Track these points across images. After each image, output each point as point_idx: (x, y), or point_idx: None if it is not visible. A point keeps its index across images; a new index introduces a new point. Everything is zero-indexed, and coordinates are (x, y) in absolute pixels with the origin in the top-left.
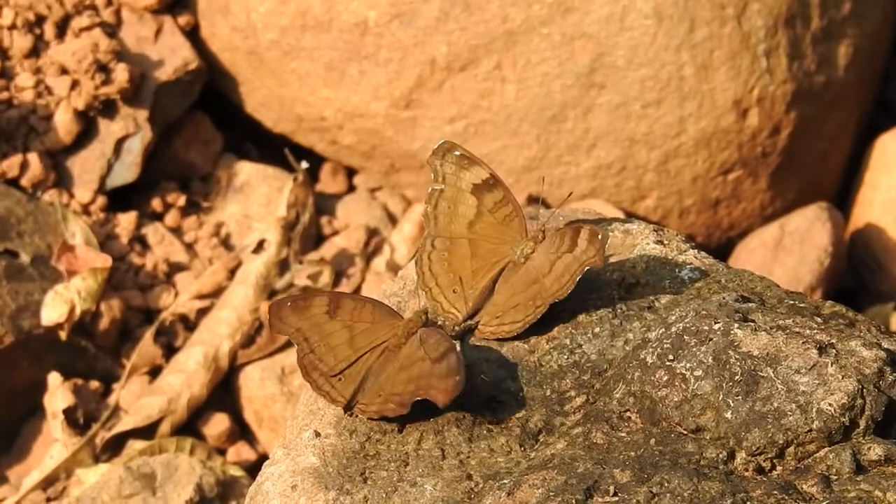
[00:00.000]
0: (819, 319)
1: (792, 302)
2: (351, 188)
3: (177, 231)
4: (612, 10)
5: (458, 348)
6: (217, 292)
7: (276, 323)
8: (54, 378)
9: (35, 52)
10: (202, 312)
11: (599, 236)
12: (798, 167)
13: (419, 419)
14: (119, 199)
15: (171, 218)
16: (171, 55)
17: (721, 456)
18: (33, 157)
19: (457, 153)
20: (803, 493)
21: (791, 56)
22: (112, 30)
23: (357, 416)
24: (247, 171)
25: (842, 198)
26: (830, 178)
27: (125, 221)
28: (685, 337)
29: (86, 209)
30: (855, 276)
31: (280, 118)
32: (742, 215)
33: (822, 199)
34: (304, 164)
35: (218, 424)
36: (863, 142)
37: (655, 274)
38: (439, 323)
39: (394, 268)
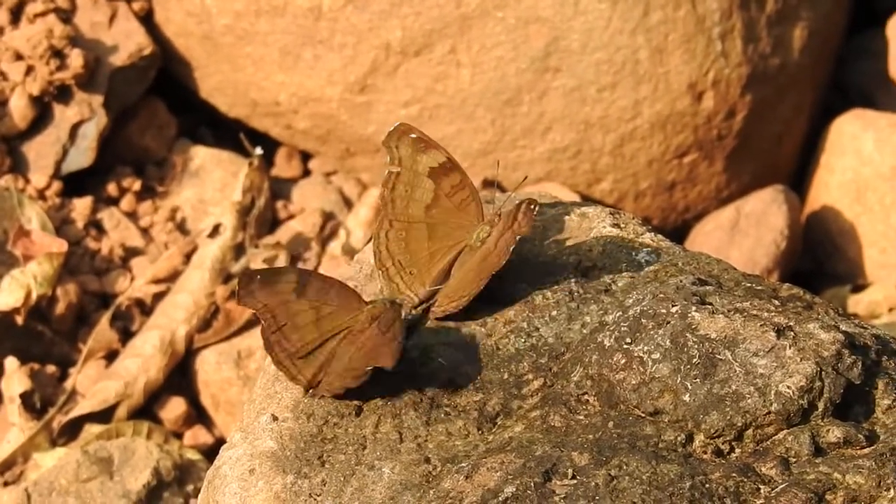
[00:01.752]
0: (777, 302)
1: (749, 284)
2: (306, 172)
3: (132, 216)
4: None
5: (403, 316)
6: (173, 277)
7: (244, 296)
8: (11, 363)
9: None
10: (158, 297)
11: (533, 207)
12: (754, 150)
13: (377, 402)
14: (74, 184)
15: (127, 203)
16: (126, 40)
17: (679, 439)
18: None
19: (413, 136)
20: (762, 475)
21: (746, 39)
22: (66, 15)
23: (316, 396)
24: (202, 155)
25: (798, 180)
26: (786, 160)
27: (81, 206)
28: (643, 320)
29: (41, 194)
30: (811, 259)
31: (235, 103)
32: (698, 198)
33: (778, 181)
34: (259, 150)
35: (175, 408)
36: (818, 124)
37: (612, 257)
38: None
39: (350, 252)
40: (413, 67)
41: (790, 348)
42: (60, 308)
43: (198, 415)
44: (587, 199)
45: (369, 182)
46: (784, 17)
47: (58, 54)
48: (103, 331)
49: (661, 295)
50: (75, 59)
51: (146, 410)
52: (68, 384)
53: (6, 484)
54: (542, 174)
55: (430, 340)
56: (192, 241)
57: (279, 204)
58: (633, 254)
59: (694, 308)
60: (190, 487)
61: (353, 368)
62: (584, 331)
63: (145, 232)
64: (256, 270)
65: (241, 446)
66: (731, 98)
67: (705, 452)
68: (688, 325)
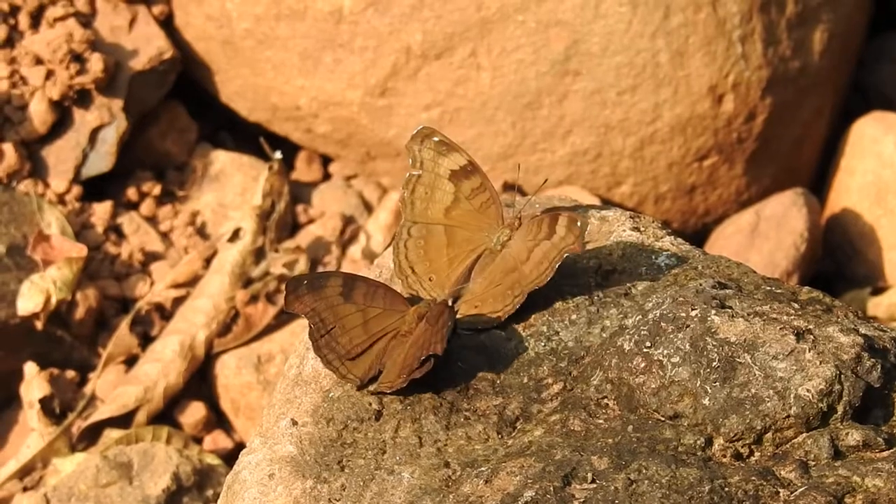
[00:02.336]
0: (796, 305)
1: (769, 288)
2: (326, 176)
3: (152, 220)
4: None
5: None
6: (193, 281)
7: (291, 301)
8: (30, 368)
9: (9, 42)
10: (178, 301)
11: (578, 223)
12: (774, 153)
13: (396, 407)
14: (94, 188)
15: (147, 207)
16: (146, 45)
17: (699, 442)
18: (8, 148)
19: (436, 139)
20: (781, 478)
21: (766, 42)
22: (86, 19)
23: (378, 392)
24: (222, 159)
25: (818, 183)
26: (806, 163)
27: (100, 211)
28: (662, 324)
29: (61, 199)
30: (831, 262)
31: (255, 107)
32: (718, 201)
33: (798, 184)
34: (278, 154)
35: (194, 413)
36: (838, 127)
37: (632, 261)
38: None
39: (370, 256)
40: (433, 71)
41: (809, 352)
42: (80, 313)
43: (217, 419)
44: (607, 203)
45: (389, 186)
46: (804, 20)
47: (78, 59)
48: (123, 336)
49: (681, 298)
50: (95, 63)
51: (166, 415)
52: (88, 389)
53: (25, 489)
54: (562, 177)
55: (450, 344)
56: (212, 245)
57: (299, 208)
58: (653, 257)
59: (713, 311)
60: (209, 492)
61: (408, 364)
62: (604, 334)
63: (165, 236)
64: (303, 276)
65: (260, 451)
66: (751, 101)
67: (724, 456)
68: (707, 329)
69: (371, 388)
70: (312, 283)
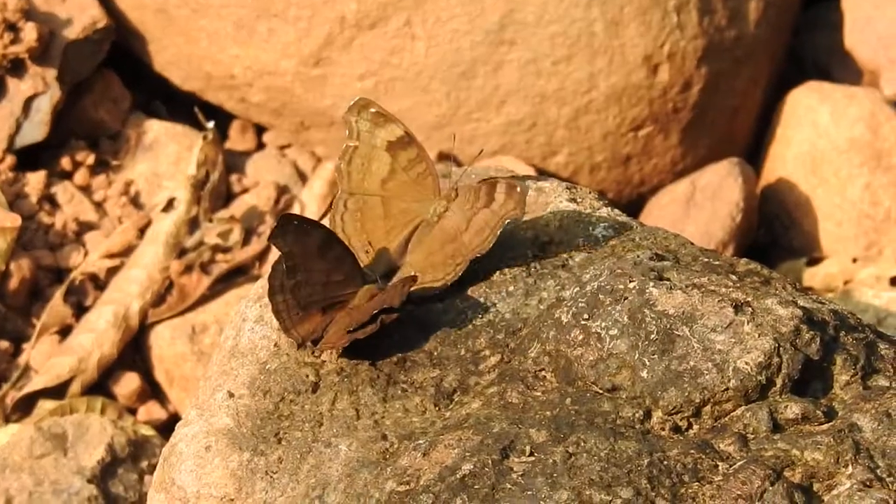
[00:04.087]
0: (734, 277)
1: (707, 260)
2: (260, 146)
3: (86, 190)
4: None
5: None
6: (127, 251)
7: (277, 235)
8: None
9: None
10: (112, 271)
11: (518, 188)
12: (709, 123)
13: (333, 379)
14: (28, 158)
15: (81, 177)
16: (80, 14)
17: (637, 415)
18: None
19: (372, 110)
20: (720, 451)
21: (702, 11)
22: None
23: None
24: (156, 129)
25: (753, 153)
26: (742, 133)
27: (34, 181)
28: (600, 296)
29: None
30: (767, 232)
31: (189, 76)
32: (653, 171)
33: (734, 154)
34: (211, 123)
35: (128, 384)
36: (774, 97)
37: (569, 232)
38: None
39: None
40: (368, 40)
41: (748, 324)
42: (14, 283)
43: (152, 390)
44: (543, 173)
45: (324, 156)
46: None
47: (11, 28)
48: (57, 306)
49: (619, 270)
50: (29, 32)
51: (100, 386)
52: (22, 360)
53: None
54: (497, 147)
55: (386, 318)
56: (146, 215)
57: (233, 177)
58: (590, 228)
59: (651, 283)
60: (144, 464)
61: (354, 322)
62: (542, 306)
63: (99, 206)
64: (295, 215)
65: (197, 423)
66: (686, 71)
67: (663, 429)
68: (645, 301)
69: (313, 348)
70: (301, 226)
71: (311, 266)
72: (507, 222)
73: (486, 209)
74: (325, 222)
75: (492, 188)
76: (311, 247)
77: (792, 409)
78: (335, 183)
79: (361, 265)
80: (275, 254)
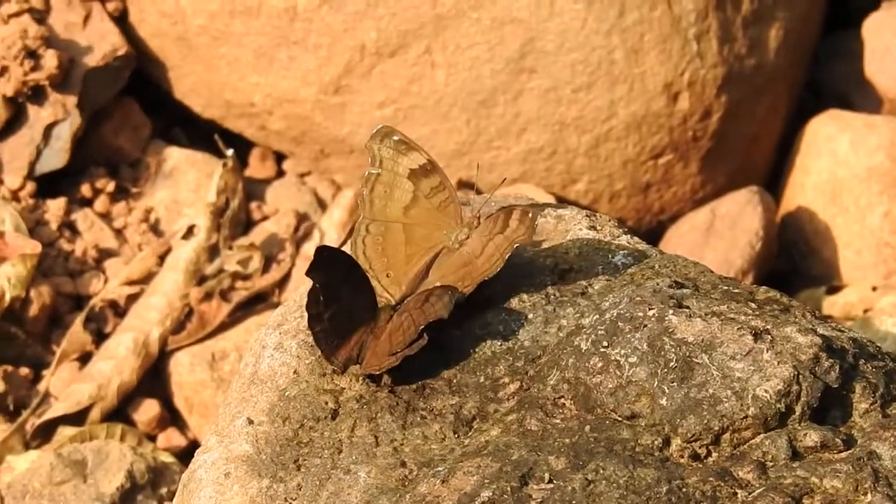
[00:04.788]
0: (753, 305)
1: (726, 287)
2: (280, 173)
3: (106, 217)
4: None
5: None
6: (147, 278)
7: (316, 269)
8: None
9: None
10: (132, 298)
11: (530, 214)
12: (729, 151)
13: (352, 406)
14: (48, 185)
15: (101, 204)
16: (100, 41)
17: (656, 443)
18: None
19: (395, 138)
20: (739, 479)
21: (722, 39)
22: (41, 16)
23: (365, 373)
24: (176, 156)
25: (773, 182)
26: (761, 161)
27: (54, 207)
28: (619, 323)
29: (15, 195)
30: (786, 260)
31: (209, 104)
32: (673, 199)
33: (754, 182)
34: (230, 151)
35: (148, 410)
36: (794, 125)
37: (588, 259)
38: None
39: None
40: (388, 68)
41: (767, 352)
42: (34, 310)
43: (171, 417)
44: (562, 201)
45: (343, 183)
46: (760, 18)
47: (32, 55)
48: (77, 333)
49: (638, 298)
50: (49, 59)
51: (119, 413)
52: (41, 386)
53: None
54: (517, 175)
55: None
56: (165, 242)
57: (253, 205)
58: (610, 256)
59: (671, 311)
60: (164, 490)
61: (398, 342)
62: (561, 334)
63: (119, 233)
64: (327, 247)
65: (216, 450)
66: (706, 99)
67: (682, 456)
68: (665, 329)
69: (358, 370)
70: (332, 257)
71: (339, 294)
72: (515, 246)
73: (500, 234)
74: (346, 249)
75: (508, 215)
76: (340, 275)
77: (811, 436)
78: (355, 210)
79: (382, 289)
80: (294, 282)
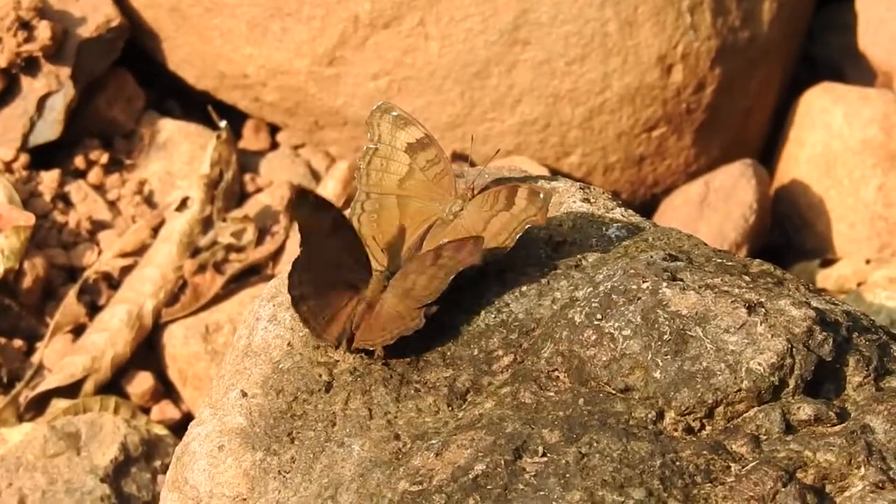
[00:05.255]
0: (747, 278)
1: (720, 260)
2: (274, 145)
3: (100, 189)
4: None
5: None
6: (141, 250)
7: (297, 206)
8: None
9: None
10: (126, 270)
11: (541, 195)
12: (723, 123)
13: (346, 379)
14: (42, 156)
15: (94, 175)
16: (94, 12)
17: (650, 416)
18: None
19: (394, 113)
20: (733, 452)
21: (715, 12)
22: None
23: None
24: (169, 128)
25: (767, 154)
26: (755, 134)
27: (48, 179)
28: (613, 296)
29: (8, 167)
30: (780, 233)
31: (203, 75)
32: (667, 172)
33: (747, 155)
34: (223, 122)
35: (142, 383)
36: (787, 98)
37: (583, 232)
38: None
39: None
40: (382, 40)
41: (761, 325)
42: (27, 282)
43: (165, 390)
44: (556, 173)
45: (337, 155)
46: None
47: (25, 26)
48: (70, 305)
49: (632, 271)
50: (43, 30)
51: (113, 385)
52: (35, 359)
53: None
54: (510, 147)
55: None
56: (159, 214)
57: (247, 177)
58: (604, 229)
59: (665, 284)
60: (157, 463)
61: (415, 305)
62: (555, 306)
63: (113, 205)
64: (311, 191)
65: (210, 422)
66: (700, 71)
67: (676, 430)
68: (658, 302)
69: (354, 345)
70: (316, 203)
71: (323, 245)
72: (527, 227)
73: (506, 212)
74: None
75: (512, 192)
76: (325, 226)
77: (805, 410)
78: (349, 182)
79: (377, 263)
80: (288, 254)
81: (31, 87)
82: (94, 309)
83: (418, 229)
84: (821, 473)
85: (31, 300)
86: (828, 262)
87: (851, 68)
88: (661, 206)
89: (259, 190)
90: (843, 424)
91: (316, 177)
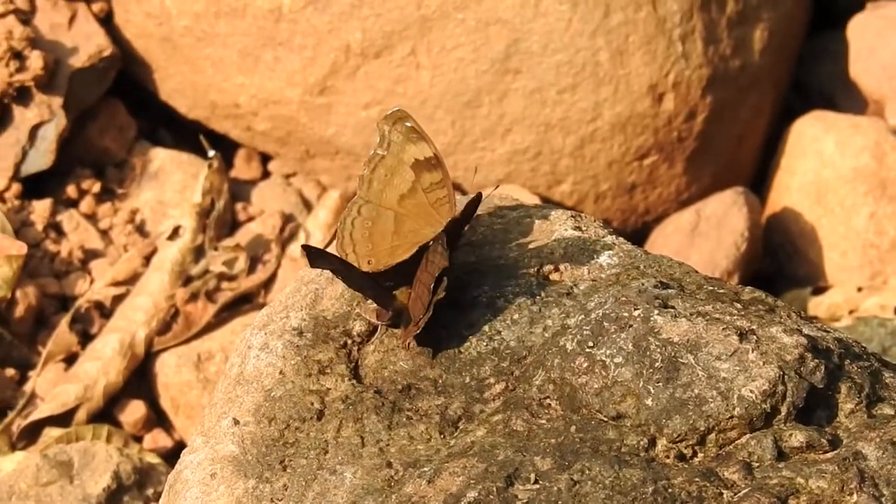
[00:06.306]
0: (739, 305)
1: (711, 288)
2: (266, 174)
3: (92, 218)
4: None
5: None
6: (132, 279)
7: (314, 265)
8: None
9: None
10: (118, 299)
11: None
12: (714, 152)
13: (338, 406)
14: (34, 186)
15: (86, 205)
16: (86, 42)
17: (642, 443)
18: None
19: (408, 124)
20: (725, 479)
21: (706, 40)
22: (26, 17)
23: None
24: (161, 157)
25: (758, 182)
26: (747, 162)
27: (40, 209)
28: (605, 323)
29: (0, 197)
30: (771, 261)
31: (194, 104)
32: (658, 200)
33: (739, 183)
34: (213, 152)
35: (134, 411)
36: (779, 126)
37: (574, 260)
38: None
39: None
40: (373, 69)
41: (753, 352)
42: (20, 311)
43: (157, 418)
44: (548, 202)
45: (329, 184)
46: (744, 18)
47: (17, 56)
48: (63, 333)
49: (623, 298)
50: (35, 60)
51: (106, 414)
52: (27, 387)
53: None
54: (501, 176)
55: (390, 344)
56: (151, 243)
57: (238, 206)
58: (595, 256)
59: (656, 311)
60: (150, 491)
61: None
62: (546, 334)
63: (105, 234)
64: (311, 247)
65: (202, 450)
66: (691, 100)
67: (668, 457)
68: (650, 329)
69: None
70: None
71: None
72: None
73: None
74: (332, 249)
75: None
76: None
77: (797, 437)
78: (340, 212)
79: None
80: (280, 283)
81: (24, 117)
82: (86, 338)
83: (407, 252)
84: (813, 500)
85: (24, 329)
86: (819, 290)
87: (843, 96)
88: (653, 235)
89: (251, 219)
90: (836, 451)
91: (307, 206)
